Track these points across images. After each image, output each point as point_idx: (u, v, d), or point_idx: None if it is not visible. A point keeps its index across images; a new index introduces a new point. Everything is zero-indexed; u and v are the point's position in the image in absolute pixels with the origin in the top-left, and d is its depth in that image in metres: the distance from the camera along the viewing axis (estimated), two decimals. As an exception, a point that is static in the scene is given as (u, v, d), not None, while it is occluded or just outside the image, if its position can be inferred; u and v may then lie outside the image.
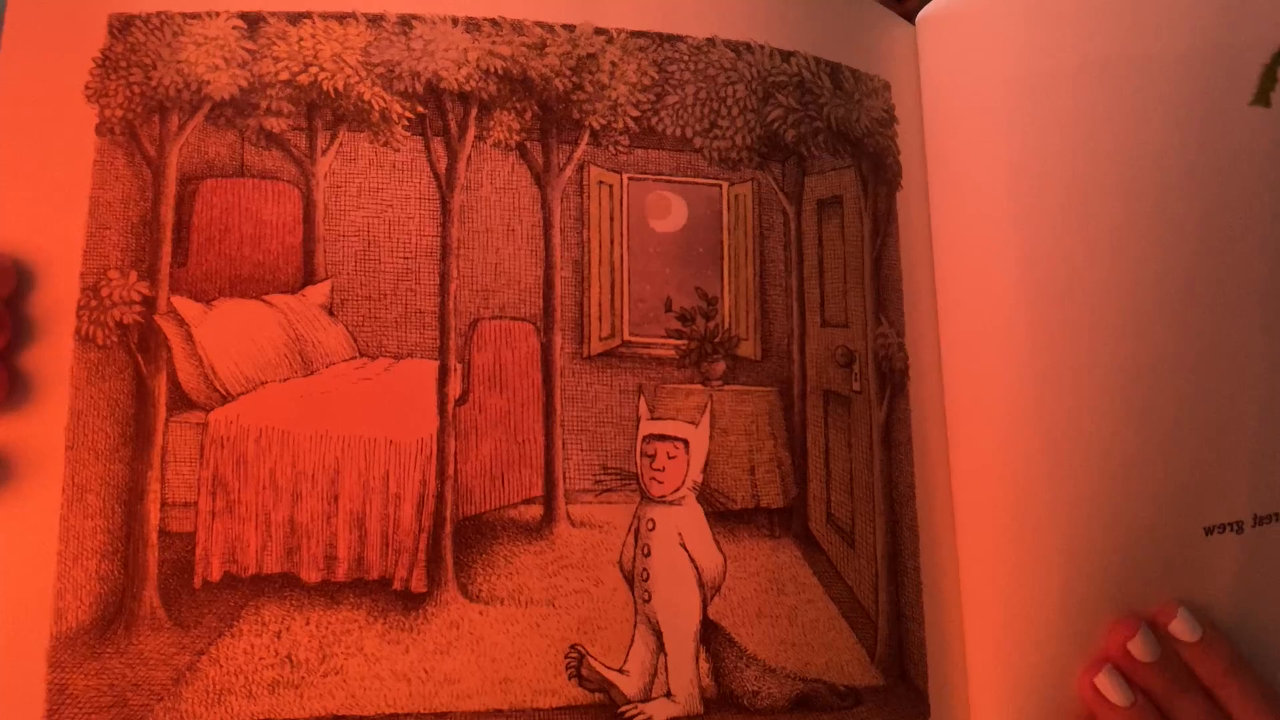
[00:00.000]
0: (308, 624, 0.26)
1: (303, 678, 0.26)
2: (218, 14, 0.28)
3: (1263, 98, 0.30)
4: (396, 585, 0.27)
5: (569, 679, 0.27)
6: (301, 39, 0.28)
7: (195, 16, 0.28)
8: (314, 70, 0.28)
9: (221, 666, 0.25)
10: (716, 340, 0.30)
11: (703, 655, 0.29)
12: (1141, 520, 0.33)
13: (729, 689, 0.29)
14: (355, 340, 0.28)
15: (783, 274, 0.31)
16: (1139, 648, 0.32)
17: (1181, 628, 0.32)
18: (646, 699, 0.28)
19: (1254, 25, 0.32)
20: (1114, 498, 0.32)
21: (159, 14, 0.28)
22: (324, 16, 0.28)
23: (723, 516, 0.29)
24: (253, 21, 0.28)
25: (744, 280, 0.31)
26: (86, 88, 0.27)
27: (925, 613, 0.32)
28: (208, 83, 0.28)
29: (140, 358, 0.26)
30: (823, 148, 0.32)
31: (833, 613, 0.30)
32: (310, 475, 0.27)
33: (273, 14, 0.28)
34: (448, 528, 0.27)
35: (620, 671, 0.28)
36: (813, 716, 0.29)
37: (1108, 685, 0.32)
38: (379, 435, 0.27)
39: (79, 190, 0.27)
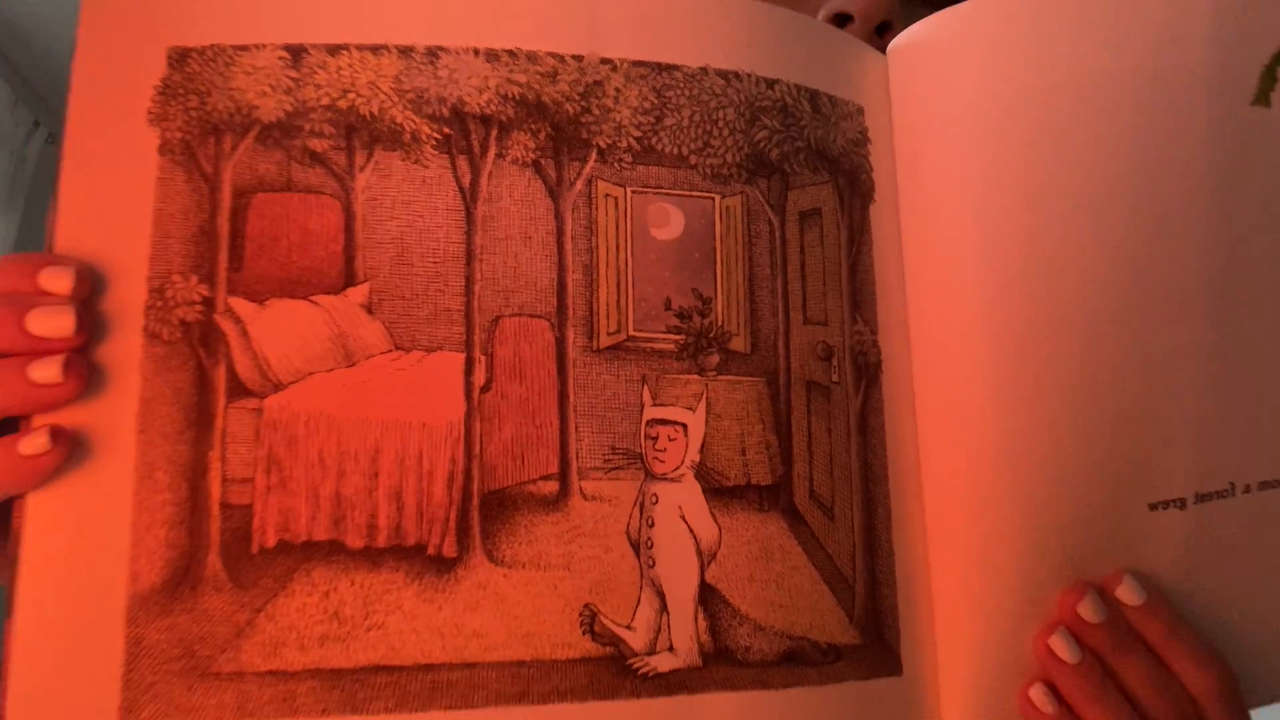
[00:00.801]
0: (352, 585, 0.29)
1: (349, 632, 0.29)
2: (264, 46, 0.31)
3: (1263, 97, 0.32)
4: (430, 551, 0.30)
5: (583, 634, 0.30)
6: (340, 68, 0.31)
7: (244, 49, 0.31)
8: (351, 96, 0.31)
9: (276, 622, 0.29)
10: (711, 335, 0.33)
11: (701, 614, 0.32)
12: (1092, 496, 0.36)
13: (724, 644, 0.32)
14: (391, 335, 0.31)
15: (769, 277, 0.35)
16: (1087, 610, 0.35)
17: (1127, 592, 0.36)
18: (652, 652, 0.31)
19: (1205, 48, 0.36)
20: (1065, 476, 0.36)
21: (212, 47, 0.31)
22: (360, 48, 0.31)
23: (718, 492, 0.33)
24: (296, 53, 0.31)
25: (735, 283, 0.34)
26: (149, 113, 0.30)
27: (897, 580, 0.35)
28: (257, 108, 0.31)
29: (201, 351, 0.30)
30: (803, 165, 0.35)
31: (815, 578, 0.33)
32: (353, 454, 0.30)
33: (314, 46, 0.31)
34: (475, 501, 0.31)
35: (628, 628, 0.31)
36: (799, 670, 0.32)
37: (1059, 645, 0.35)
38: (413, 419, 0.30)
39: (144, 204, 0.30)
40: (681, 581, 0.31)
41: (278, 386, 0.30)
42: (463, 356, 0.31)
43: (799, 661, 0.32)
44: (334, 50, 0.31)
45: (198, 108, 0.30)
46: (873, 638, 0.34)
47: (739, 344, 0.34)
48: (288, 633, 0.28)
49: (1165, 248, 0.36)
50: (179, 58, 0.31)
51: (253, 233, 0.30)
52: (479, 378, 0.31)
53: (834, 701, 0.32)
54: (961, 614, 0.36)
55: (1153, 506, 0.37)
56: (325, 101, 0.31)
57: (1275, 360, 0.37)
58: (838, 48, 0.37)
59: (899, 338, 0.37)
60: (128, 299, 0.30)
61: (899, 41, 0.38)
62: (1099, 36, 0.36)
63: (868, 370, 0.36)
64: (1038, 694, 0.34)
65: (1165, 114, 0.36)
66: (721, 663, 0.32)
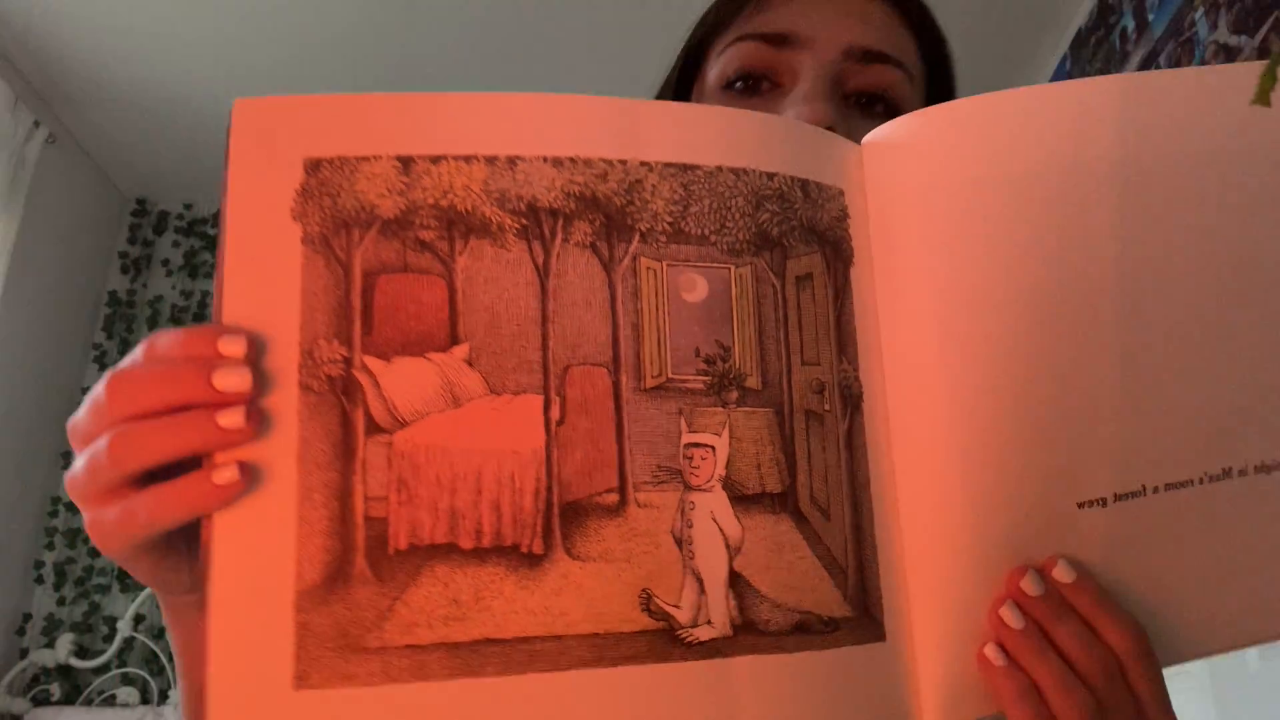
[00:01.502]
0: (466, 577, 0.37)
1: (464, 613, 0.37)
2: (380, 157, 0.38)
3: (1263, 97, 0.32)
4: (523, 549, 0.38)
5: (641, 612, 0.38)
6: (440, 175, 0.39)
7: (365, 159, 0.38)
8: (450, 197, 0.39)
9: (410, 607, 0.37)
10: (731, 376, 0.42)
11: (730, 595, 0.40)
12: (1030, 497, 0.44)
13: (749, 618, 0.40)
14: (488, 383, 0.39)
15: (775, 329, 0.42)
16: (1028, 585, 0.42)
17: (1060, 571, 0.43)
18: (694, 625, 0.39)
19: (1111, 143, 0.44)
20: (1009, 481, 0.44)
21: (339, 157, 0.38)
22: (455, 158, 0.39)
23: (740, 499, 0.40)
24: (406, 162, 0.38)
25: (748, 334, 0.42)
26: (291, 210, 0.37)
27: (880, 566, 0.43)
28: (377, 206, 0.38)
29: (344, 399, 0.38)
30: (798, 239, 0.43)
31: (817, 566, 0.42)
32: (462, 476, 0.38)
33: (419, 157, 0.38)
34: (555, 509, 0.39)
35: (676, 607, 0.39)
36: (806, 638, 0.41)
37: (1007, 614, 0.42)
38: (506, 447, 0.39)
39: (293, 284, 0.37)
40: (715, 569, 0.40)
41: (403, 425, 0.38)
42: (542, 398, 0.39)
43: (806, 631, 0.41)
44: (435, 160, 0.38)
45: (330, 207, 0.37)
46: (862, 612, 0.42)
47: (753, 382, 0.42)
48: (418, 615, 0.36)
49: (1079, 299, 0.45)
50: (313, 166, 0.38)
51: (379, 306, 0.37)
52: (555, 414, 0.39)
53: (833, 662, 0.41)
54: (932, 592, 0.44)
55: (1080, 505, 0.45)
56: (430, 201, 0.38)
57: (1175, 383, 0.46)
58: (822, 144, 0.46)
59: (876, 375, 0.45)
60: (285, 360, 0.37)
61: (871, 137, 0.47)
62: (1026, 135, 0.45)
63: (851, 400, 0.44)
64: (990, 651, 0.43)
65: (1078, 194, 0.45)
66: (747, 633, 0.39)
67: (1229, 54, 1.76)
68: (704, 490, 0.40)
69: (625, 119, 0.40)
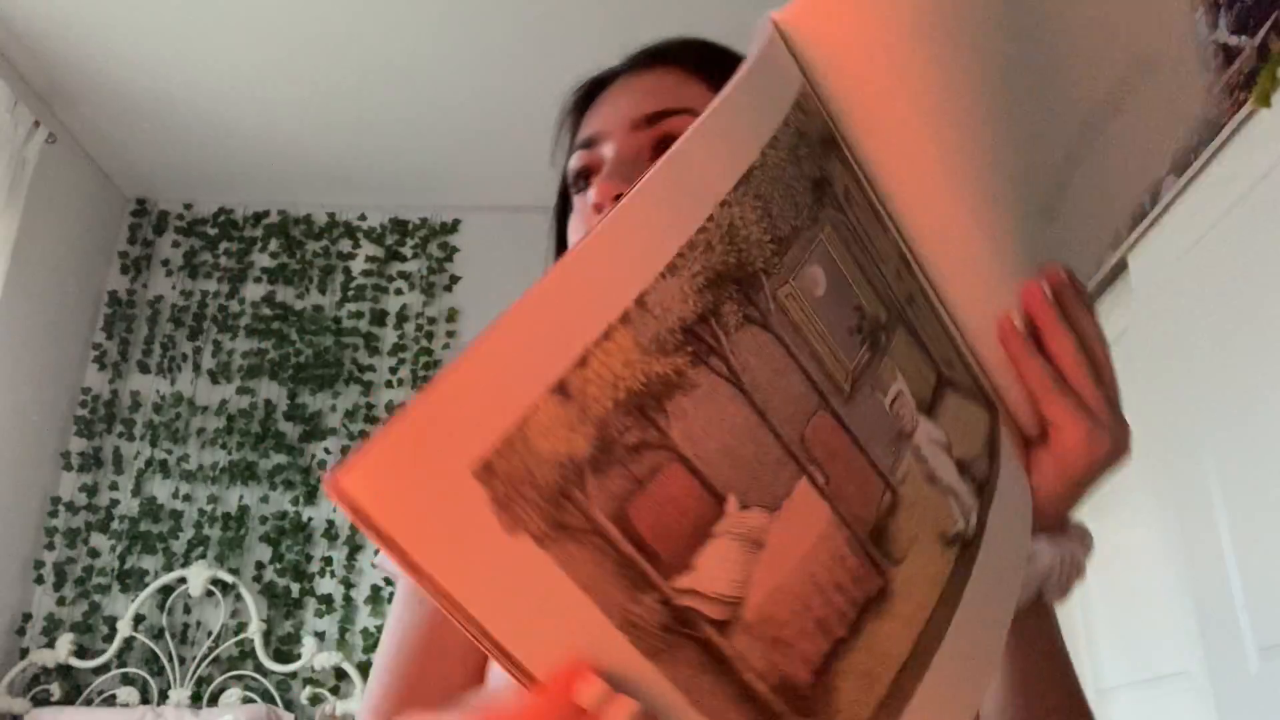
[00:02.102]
0: (859, 654, 0.36)
1: (882, 673, 0.36)
2: (535, 404, 0.29)
3: (1263, 98, 0.34)
4: (874, 595, 0.37)
5: (946, 550, 0.41)
6: (596, 371, 0.31)
7: (524, 419, 0.29)
8: (620, 383, 0.30)
9: (851, 703, 0.35)
10: (877, 327, 0.43)
11: (962, 480, 0.44)
12: (1016, 223, 0.49)
13: (978, 481, 0.44)
14: (767, 508, 0.36)
15: (865, 257, 0.43)
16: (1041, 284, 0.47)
17: (1055, 269, 0.48)
18: (967, 527, 0.42)
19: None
20: (1000, 211, 0.48)
21: (501, 440, 0.28)
22: (598, 345, 0.31)
23: (927, 409, 0.44)
24: (560, 389, 0.29)
25: (859, 280, 0.43)
26: (504, 527, 0.28)
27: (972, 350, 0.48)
28: (572, 452, 0.29)
29: (687, 630, 0.33)
30: (825, 161, 0.42)
31: (974, 403, 0.46)
32: (805, 591, 0.36)
33: (566, 372, 0.30)
34: (867, 547, 0.38)
35: (960, 526, 0.42)
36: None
37: (1035, 292, 0.47)
38: (812, 538, 0.36)
39: (567, 589, 0.30)
40: (952, 474, 0.44)
41: (741, 601, 0.34)
42: (804, 479, 0.35)
43: (974, 471, 0.45)
44: (582, 363, 0.30)
45: (535, 493, 0.29)
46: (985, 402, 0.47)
47: (879, 311, 0.44)
48: (859, 709, 0.35)
49: (1011, 87, 0.47)
50: (486, 471, 0.28)
51: (647, 533, 0.31)
52: (821, 480, 0.36)
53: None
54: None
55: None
56: (609, 404, 0.31)
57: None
58: (763, 62, 0.41)
59: (913, 220, 0.47)
60: (615, 650, 0.30)
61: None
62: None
63: (913, 260, 0.47)
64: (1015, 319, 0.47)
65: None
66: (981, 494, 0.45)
67: (1229, 54, 1.76)
68: (914, 429, 0.41)
69: (675, 182, 0.34)
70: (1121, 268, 2.19)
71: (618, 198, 0.57)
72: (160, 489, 3.09)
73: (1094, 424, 0.46)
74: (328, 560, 3.01)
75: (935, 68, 0.43)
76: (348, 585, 2.99)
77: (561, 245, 0.73)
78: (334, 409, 3.18)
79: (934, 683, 0.38)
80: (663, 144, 0.63)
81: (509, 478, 0.28)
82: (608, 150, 0.64)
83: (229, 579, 2.95)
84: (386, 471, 0.27)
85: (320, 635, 2.93)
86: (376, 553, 2.49)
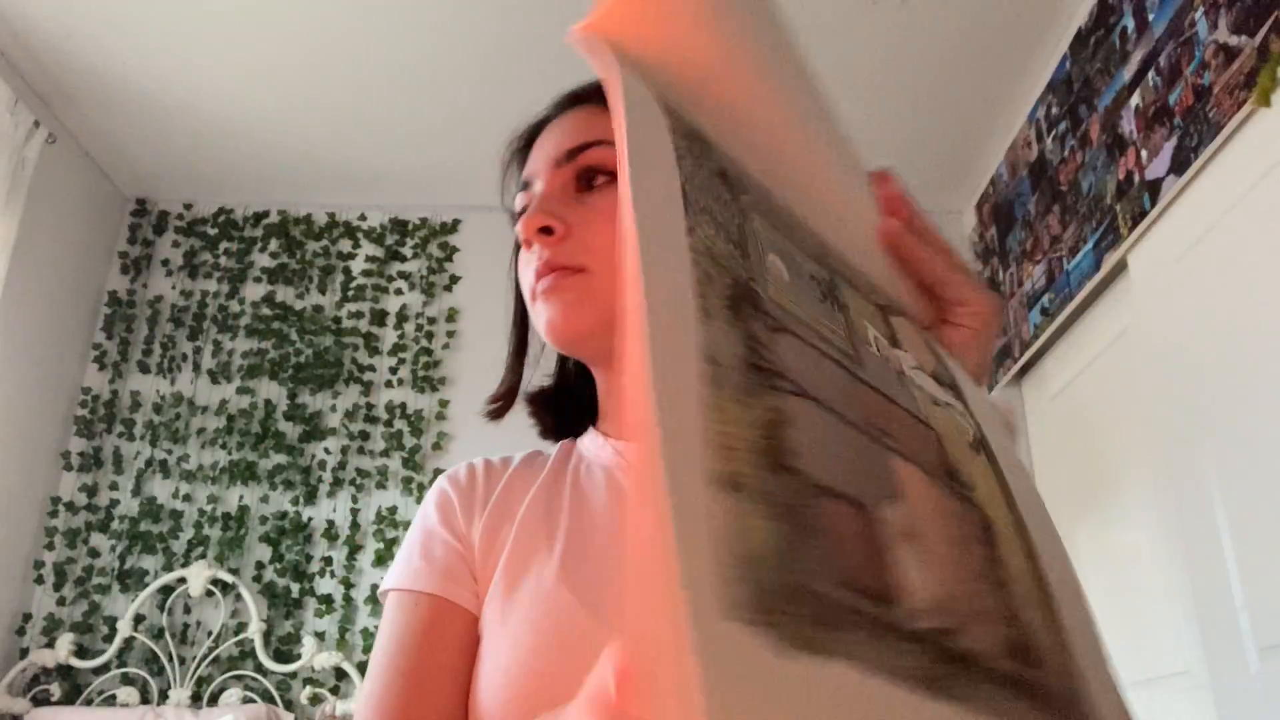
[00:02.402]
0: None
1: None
2: (711, 512, 0.24)
3: (1263, 98, 0.33)
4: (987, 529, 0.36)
5: (972, 449, 0.40)
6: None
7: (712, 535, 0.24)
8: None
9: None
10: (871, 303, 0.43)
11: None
12: None
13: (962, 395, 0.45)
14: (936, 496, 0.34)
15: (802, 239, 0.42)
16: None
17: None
18: (972, 434, 0.42)
19: None
20: None
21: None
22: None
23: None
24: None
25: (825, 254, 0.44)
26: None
27: None
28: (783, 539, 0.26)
29: None
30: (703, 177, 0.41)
31: None
32: (963, 574, 0.32)
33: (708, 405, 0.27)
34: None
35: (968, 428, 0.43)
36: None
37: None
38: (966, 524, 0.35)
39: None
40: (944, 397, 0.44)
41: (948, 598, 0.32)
42: (890, 455, 0.34)
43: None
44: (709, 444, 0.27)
45: (798, 612, 0.25)
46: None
47: (860, 281, 0.46)
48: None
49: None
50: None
51: (869, 583, 0.29)
52: (895, 446, 0.35)
53: None
54: None
55: None
56: (767, 474, 0.27)
57: None
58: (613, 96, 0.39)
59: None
60: None
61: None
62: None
63: None
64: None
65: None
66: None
67: (1229, 54, 1.76)
68: (901, 365, 0.41)
69: (651, 235, 0.31)
70: (1121, 268, 2.20)
71: (542, 230, 0.64)
72: (160, 489, 3.09)
73: (986, 290, 0.50)
74: (328, 560, 3.02)
75: (733, 41, 0.43)
76: (348, 585, 2.99)
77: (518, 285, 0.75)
78: (334, 409, 3.19)
79: (1054, 581, 0.37)
80: (583, 174, 0.69)
81: (776, 625, 0.23)
82: (538, 188, 0.70)
83: (229, 579, 2.95)
84: None
85: (320, 635, 2.93)
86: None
